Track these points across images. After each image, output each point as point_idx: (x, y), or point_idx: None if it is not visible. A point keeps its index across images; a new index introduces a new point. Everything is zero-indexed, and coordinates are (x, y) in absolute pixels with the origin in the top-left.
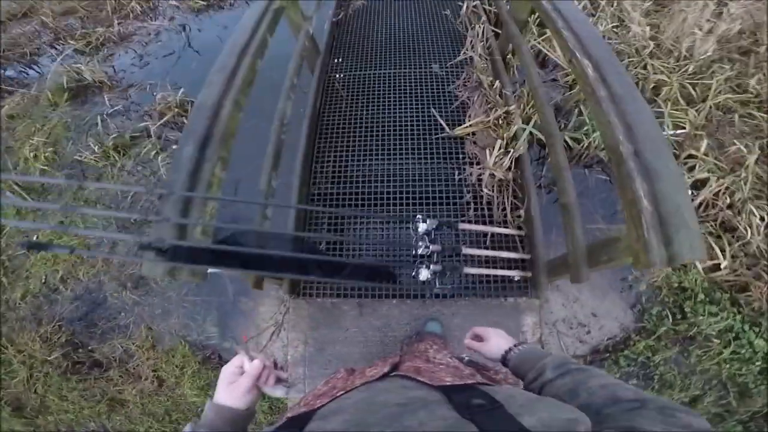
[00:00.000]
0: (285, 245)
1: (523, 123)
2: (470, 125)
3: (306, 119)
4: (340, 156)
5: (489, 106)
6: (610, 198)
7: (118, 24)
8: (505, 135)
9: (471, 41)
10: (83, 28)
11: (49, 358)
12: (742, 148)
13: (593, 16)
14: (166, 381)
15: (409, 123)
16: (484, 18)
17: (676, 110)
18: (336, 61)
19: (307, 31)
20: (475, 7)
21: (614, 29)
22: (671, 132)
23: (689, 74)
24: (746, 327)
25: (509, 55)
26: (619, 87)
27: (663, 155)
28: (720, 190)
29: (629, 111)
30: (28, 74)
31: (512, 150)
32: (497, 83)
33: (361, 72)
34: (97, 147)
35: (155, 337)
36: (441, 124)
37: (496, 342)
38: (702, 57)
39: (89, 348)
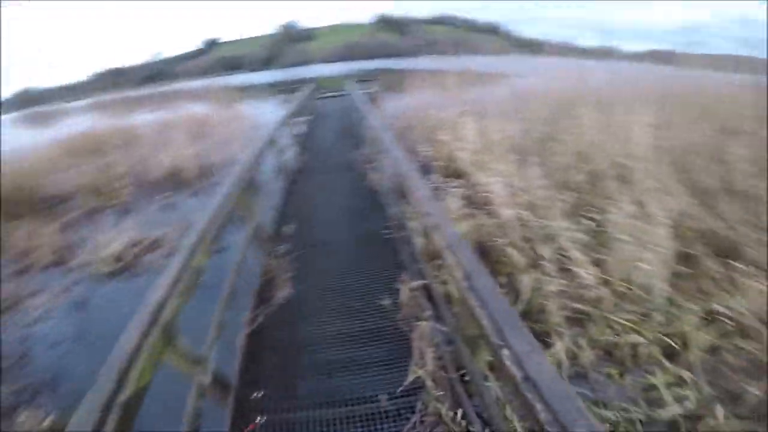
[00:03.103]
0: None
1: None
2: None
3: None
4: None
5: None
6: None
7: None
8: None
9: (420, 350)
10: None
11: None
12: None
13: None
14: None
15: None
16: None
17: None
18: (256, 395)
19: (200, 384)
20: (418, 290)
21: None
22: None
23: (659, 324)
24: None
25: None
26: None
27: None
28: None
29: None
30: None
31: None
32: (460, 414)
33: (288, 415)
34: None
35: None
36: None
37: None
38: (660, 295)
39: None
